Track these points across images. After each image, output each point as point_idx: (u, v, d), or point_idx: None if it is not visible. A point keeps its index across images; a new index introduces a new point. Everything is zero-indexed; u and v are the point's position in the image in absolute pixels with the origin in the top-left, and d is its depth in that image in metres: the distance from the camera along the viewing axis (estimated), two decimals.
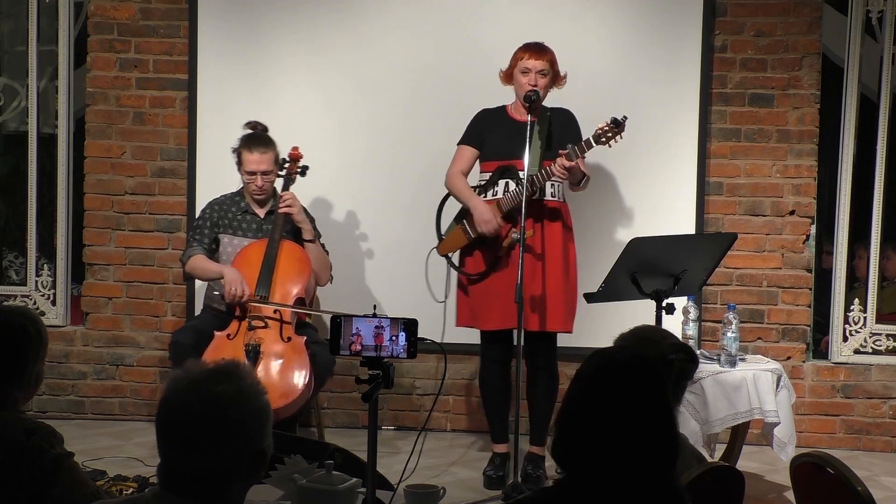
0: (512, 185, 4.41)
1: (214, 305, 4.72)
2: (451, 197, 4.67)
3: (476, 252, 4.54)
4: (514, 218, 4.39)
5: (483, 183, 4.54)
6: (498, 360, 4.57)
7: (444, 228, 4.70)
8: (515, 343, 4.22)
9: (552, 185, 4.44)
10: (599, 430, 1.96)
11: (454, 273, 4.71)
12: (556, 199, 4.49)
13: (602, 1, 5.24)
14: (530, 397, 4.60)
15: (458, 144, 4.64)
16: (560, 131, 4.48)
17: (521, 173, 4.31)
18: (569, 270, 4.51)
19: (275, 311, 4.48)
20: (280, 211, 4.65)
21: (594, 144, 4.26)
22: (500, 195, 4.46)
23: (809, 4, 5.15)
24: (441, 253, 4.70)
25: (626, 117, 4.22)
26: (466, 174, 4.61)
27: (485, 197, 4.51)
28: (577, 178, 4.39)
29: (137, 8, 5.39)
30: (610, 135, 4.22)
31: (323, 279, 4.77)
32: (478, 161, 4.62)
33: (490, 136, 4.53)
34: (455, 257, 4.68)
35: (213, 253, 4.74)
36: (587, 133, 4.40)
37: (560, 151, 4.30)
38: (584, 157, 4.33)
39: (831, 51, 5.43)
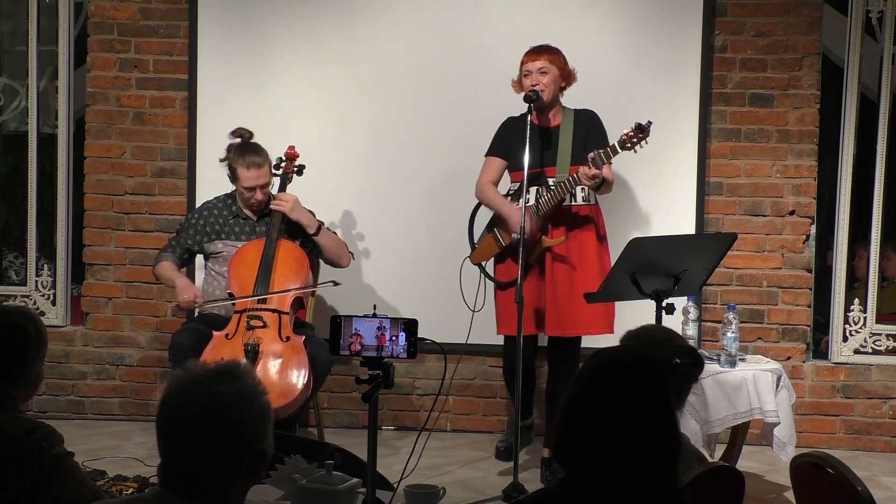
0: (544, 193, 4.42)
1: (211, 310, 4.72)
2: (482, 206, 4.69)
3: (508, 259, 4.56)
4: (545, 226, 4.45)
5: (513, 192, 4.57)
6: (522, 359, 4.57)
7: (476, 237, 4.72)
8: (516, 344, 4.23)
9: (583, 189, 4.45)
10: (601, 429, 1.96)
11: (487, 281, 4.71)
12: (587, 203, 4.51)
13: (602, 1, 5.24)
14: (549, 399, 4.62)
15: (485, 156, 4.67)
16: (585, 133, 4.51)
17: (550, 180, 4.33)
18: (600, 273, 4.50)
19: (273, 311, 4.48)
20: (273, 208, 4.64)
21: (620, 150, 4.29)
22: (531, 202, 4.47)
23: (809, 4, 5.15)
24: (474, 262, 4.72)
25: (650, 122, 4.24)
26: (496, 184, 4.64)
27: (516, 205, 4.52)
28: (599, 184, 4.40)
29: (137, 8, 5.39)
30: (635, 140, 4.25)
31: (344, 260, 4.76)
32: (507, 171, 4.65)
33: (515, 145, 4.53)
34: (490, 266, 4.68)
35: (185, 262, 4.80)
36: (613, 133, 4.45)
37: (589, 156, 4.33)
38: (610, 164, 4.34)
39: (831, 51, 5.43)
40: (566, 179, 4.40)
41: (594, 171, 4.28)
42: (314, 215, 4.76)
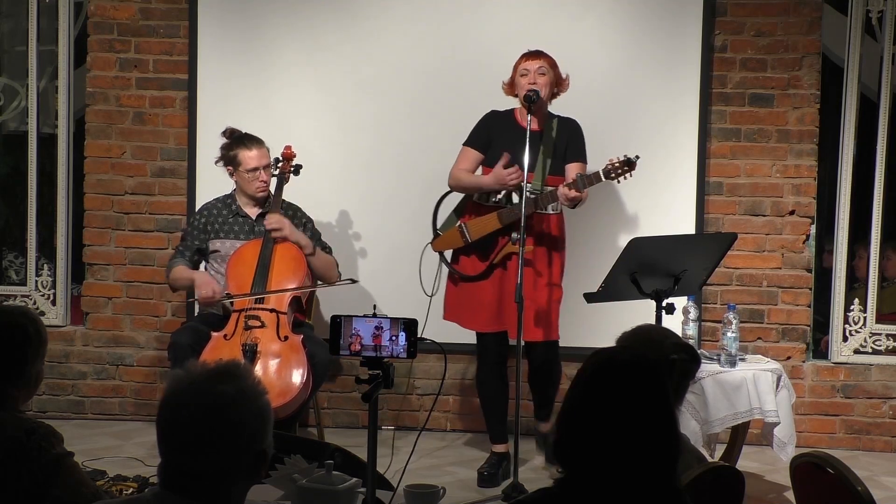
0: (514, 198, 4.42)
1: (209, 309, 4.72)
2: (449, 195, 4.66)
3: (472, 254, 4.55)
4: (512, 230, 4.41)
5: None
6: (494, 362, 4.60)
7: (440, 224, 4.69)
8: (516, 343, 4.23)
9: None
10: (600, 429, 1.96)
11: (444, 269, 4.71)
12: (555, 212, 4.51)
13: (602, 1, 5.24)
14: (532, 383, 4.63)
15: (463, 145, 4.62)
16: (566, 143, 4.50)
17: (525, 185, 4.33)
18: (560, 281, 4.56)
19: (271, 311, 4.48)
20: (273, 235, 4.61)
21: (603, 179, 4.28)
22: (501, 202, 4.46)
23: (809, 4, 5.15)
24: (435, 249, 4.70)
25: (637, 157, 4.24)
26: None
27: (486, 202, 4.51)
28: (575, 204, 4.40)
29: (137, 8, 5.39)
30: (620, 171, 4.25)
31: (332, 279, 4.76)
32: (481, 165, 4.61)
33: (497, 141, 4.52)
34: (448, 254, 4.68)
35: (197, 264, 4.77)
36: (591, 144, 4.48)
37: (569, 165, 4.30)
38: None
39: (831, 51, 5.43)
40: (546, 193, 4.38)
41: (574, 193, 4.28)
42: (313, 221, 4.85)
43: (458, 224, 4.59)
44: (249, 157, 4.65)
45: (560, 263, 4.55)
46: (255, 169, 4.65)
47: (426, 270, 4.64)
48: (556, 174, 4.45)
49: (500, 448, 4.62)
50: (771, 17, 5.18)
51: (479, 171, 4.60)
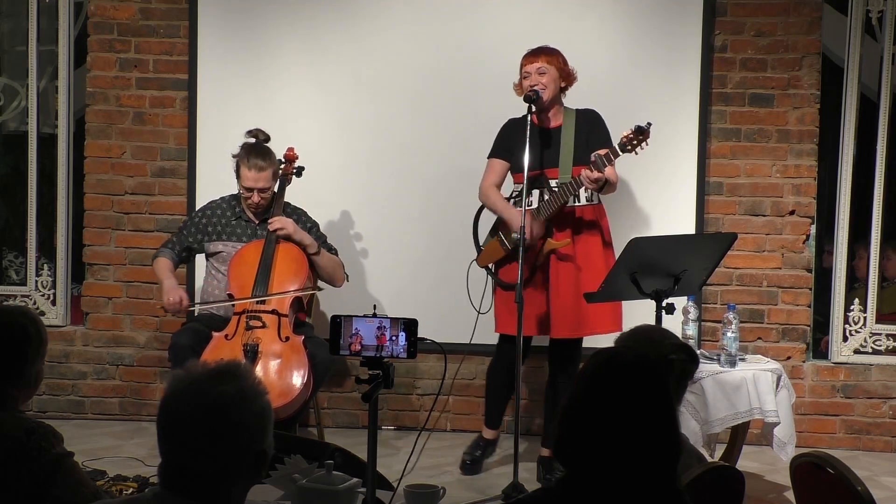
0: (546, 195, 4.42)
1: (210, 310, 4.72)
2: (486, 209, 4.68)
3: (513, 263, 4.54)
4: (549, 228, 4.44)
5: (516, 194, 4.55)
6: (510, 365, 4.56)
7: (481, 239, 4.70)
8: (516, 343, 4.23)
9: (586, 189, 4.44)
10: (601, 429, 1.96)
11: (485, 284, 4.71)
12: (590, 203, 4.52)
13: (602, 1, 5.24)
14: (549, 399, 4.62)
15: (487, 158, 4.64)
16: (587, 133, 4.50)
17: (552, 182, 4.33)
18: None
19: (272, 312, 4.48)
20: (279, 234, 4.61)
21: (620, 153, 4.28)
22: (534, 205, 4.47)
23: (809, 4, 5.15)
24: (480, 264, 4.70)
25: (650, 123, 4.23)
26: (499, 186, 4.62)
27: (518, 206, 4.51)
28: (602, 186, 4.40)
29: (137, 8, 5.39)
30: (635, 142, 4.24)
31: (338, 281, 4.77)
32: (510, 171, 4.63)
33: (515, 146, 4.52)
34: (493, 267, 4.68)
35: (185, 260, 4.86)
36: (614, 132, 4.47)
37: (591, 159, 4.34)
38: (612, 165, 4.34)
39: (831, 51, 5.44)
40: (569, 182, 4.39)
41: (596, 174, 4.28)
42: (318, 225, 4.84)
43: (497, 234, 4.61)
44: (246, 176, 4.63)
45: (602, 254, 4.52)
46: (250, 189, 4.65)
47: (472, 287, 4.63)
48: (581, 165, 4.43)
49: (489, 434, 4.63)
50: (771, 17, 5.18)
51: (510, 177, 4.62)
